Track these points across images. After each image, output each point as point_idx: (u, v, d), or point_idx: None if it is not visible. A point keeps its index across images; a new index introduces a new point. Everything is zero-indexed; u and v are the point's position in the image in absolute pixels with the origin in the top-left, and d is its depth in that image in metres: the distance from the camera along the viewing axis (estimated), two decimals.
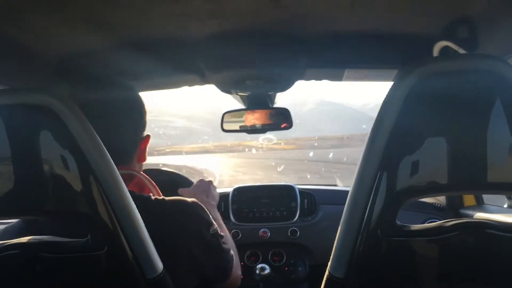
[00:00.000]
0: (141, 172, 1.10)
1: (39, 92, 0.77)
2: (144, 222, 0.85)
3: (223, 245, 1.08)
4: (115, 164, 0.98)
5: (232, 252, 1.16)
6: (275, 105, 1.86)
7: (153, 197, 1.00)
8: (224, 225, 1.28)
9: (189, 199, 1.05)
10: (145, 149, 1.12)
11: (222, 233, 1.11)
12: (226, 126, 1.75)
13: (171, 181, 1.83)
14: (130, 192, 0.98)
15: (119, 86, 1.11)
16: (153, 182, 1.12)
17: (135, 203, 0.89)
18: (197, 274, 1.01)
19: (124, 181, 0.99)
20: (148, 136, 1.12)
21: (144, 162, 1.15)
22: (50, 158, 0.76)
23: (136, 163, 1.11)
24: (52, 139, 0.76)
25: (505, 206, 1.74)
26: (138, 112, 1.09)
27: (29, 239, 0.82)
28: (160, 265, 0.85)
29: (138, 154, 1.10)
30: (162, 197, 1.05)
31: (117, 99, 1.07)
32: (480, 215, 1.78)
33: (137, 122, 1.08)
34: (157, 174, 1.80)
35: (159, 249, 0.88)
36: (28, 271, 0.82)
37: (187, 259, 0.97)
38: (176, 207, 1.01)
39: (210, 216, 1.07)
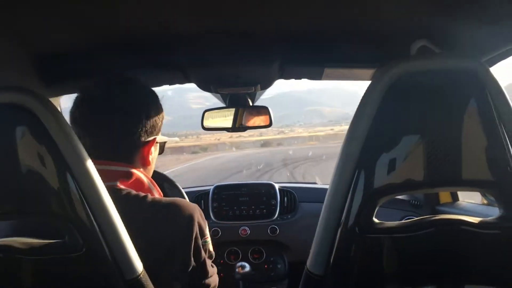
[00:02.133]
0: (141, 170, 1.06)
1: (14, 91, 0.75)
2: (137, 221, 0.84)
3: (209, 262, 1.07)
4: (109, 159, 0.98)
5: (214, 278, 1.13)
6: (255, 103, 1.86)
7: (149, 197, 0.98)
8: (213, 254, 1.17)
9: (189, 202, 1.03)
10: (148, 153, 1.07)
11: (212, 252, 1.10)
12: (206, 124, 1.75)
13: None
14: (128, 191, 0.97)
15: (122, 83, 1.09)
16: (153, 181, 1.09)
17: (129, 204, 0.88)
18: (182, 278, 1.00)
19: (119, 178, 0.99)
20: (153, 140, 1.08)
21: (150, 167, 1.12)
22: (27, 157, 0.74)
23: (139, 165, 1.06)
24: (28, 138, 0.74)
25: (480, 202, 1.78)
26: (137, 110, 1.04)
27: (5, 241, 0.80)
28: (139, 266, 0.84)
29: (141, 156, 1.06)
30: (159, 197, 1.04)
31: (119, 93, 1.05)
32: (455, 212, 1.82)
33: (136, 120, 1.03)
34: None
35: (149, 250, 0.87)
36: (6, 273, 0.80)
37: (177, 262, 0.96)
38: (172, 208, 0.99)
39: (207, 228, 1.06)
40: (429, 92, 0.75)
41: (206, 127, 1.75)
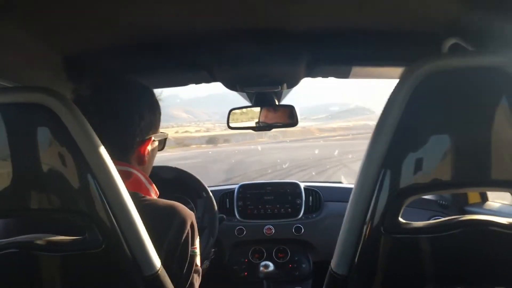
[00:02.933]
0: (139, 169, 1.06)
1: (36, 91, 0.77)
2: None
3: (196, 277, 1.04)
4: (113, 158, 0.99)
5: None
6: (281, 102, 1.86)
7: (147, 197, 0.99)
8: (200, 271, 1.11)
9: (186, 209, 1.02)
10: (145, 152, 1.06)
11: (199, 268, 1.06)
12: (232, 123, 1.75)
13: (177, 178, 1.85)
14: None
15: (127, 82, 1.09)
16: (150, 180, 1.09)
17: None
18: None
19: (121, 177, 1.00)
20: (149, 139, 1.07)
21: (146, 165, 1.09)
22: (48, 156, 0.76)
23: (135, 164, 1.06)
24: (49, 137, 0.76)
25: (510, 203, 1.74)
26: (129, 111, 1.03)
27: (27, 238, 0.82)
28: (157, 262, 0.85)
29: (137, 155, 1.05)
30: (157, 199, 1.04)
31: (111, 95, 1.04)
32: (484, 212, 1.78)
33: (128, 121, 1.02)
34: (164, 171, 1.81)
35: None
36: (26, 270, 0.82)
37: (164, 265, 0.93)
38: (168, 210, 0.98)
39: (198, 240, 1.04)
40: (459, 90, 0.73)
41: (232, 126, 1.76)
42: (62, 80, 1.46)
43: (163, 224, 0.96)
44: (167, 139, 1.21)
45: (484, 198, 1.93)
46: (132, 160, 1.05)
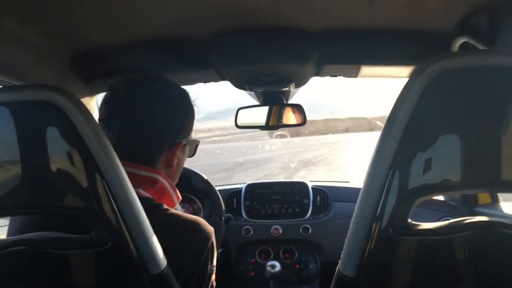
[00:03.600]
0: (165, 176, 1.03)
1: (45, 89, 0.77)
2: (154, 231, 0.83)
3: None
4: (131, 160, 0.98)
5: None
6: (290, 101, 1.85)
7: (171, 210, 0.96)
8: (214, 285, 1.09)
9: (209, 226, 0.99)
10: (174, 156, 1.03)
11: (214, 283, 1.04)
12: (240, 122, 1.75)
13: (185, 177, 1.85)
14: (149, 199, 0.96)
15: (147, 84, 1.06)
16: (174, 186, 1.06)
17: (151, 211, 0.86)
18: None
19: (143, 184, 0.97)
20: (180, 143, 1.04)
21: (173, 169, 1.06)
22: (56, 154, 0.76)
23: (162, 167, 1.03)
24: (57, 135, 0.76)
25: None
26: (162, 112, 1.01)
27: (34, 235, 0.82)
28: (164, 261, 0.85)
29: (165, 159, 1.03)
30: (180, 213, 1.00)
31: (144, 94, 1.02)
32: (494, 214, 1.76)
33: (160, 122, 1.00)
34: None
35: None
36: (33, 267, 0.83)
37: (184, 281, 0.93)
38: (192, 226, 0.96)
39: (215, 257, 1.02)
40: (469, 89, 0.72)
41: (239, 125, 1.75)
42: (70, 78, 1.46)
43: (186, 239, 0.94)
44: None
45: (494, 199, 1.91)
46: (159, 163, 1.03)
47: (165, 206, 0.96)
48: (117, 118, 1.00)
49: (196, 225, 0.96)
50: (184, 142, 1.06)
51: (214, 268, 1.02)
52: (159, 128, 1.00)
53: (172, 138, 1.02)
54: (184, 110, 1.05)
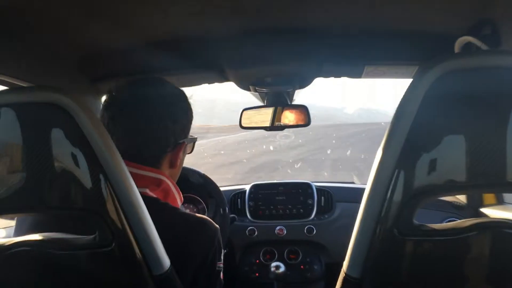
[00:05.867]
0: (168, 177, 1.05)
1: (51, 90, 0.77)
2: (160, 233, 0.84)
3: None
4: (136, 162, 0.99)
5: None
6: (294, 102, 1.86)
7: (179, 210, 0.98)
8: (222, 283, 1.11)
9: (215, 224, 1.01)
10: (177, 157, 1.06)
11: (222, 281, 1.06)
12: (244, 123, 1.75)
13: (189, 178, 1.85)
14: (157, 199, 0.98)
15: (151, 85, 1.08)
16: (177, 187, 1.09)
17: (157, 211, 0.87)
18: None
19: (149, 185, 0.99)
20: (183, 143, 1.06)
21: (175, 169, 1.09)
22: (61, 155, 0.76)
23: (166, 168, 1.06)
24: (63, 137, 0.76)
25: None
26: (164, 114, 1.02)
27: (39, 236, 0.83)
28: (167, 262, 0.86)
29: (168, 159, 1.05)
30: (187, 212, 1.02)
31: (145, 97, 1.03)
32: (500, 214, 1.75)
33: (163, 125, 1.02)
34: None
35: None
36: (37, 268, 0.83)
37: (188, 280, 0.94)
38: (200, 225, 0.97)
39: (222, 255, 1.04)
40: (473, 90, 0.72)
41: (244, 126, 1.75)
42: (76, 80, 1.47)
43: (194, 237, 0.96)
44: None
45: (500, 200, 1.90)
46: (163, 164, 1.04)
47: (173, 206, 0.98)
48: (121, 123, 1.01)
49: (203, 223, 0.98)
50: (186, 143, 1.08)
51: (222, 266, 1.03)
52: (162, 131, 1.02)
53: (175, 139, 1.04)
54: (184, 111, 1.07)
